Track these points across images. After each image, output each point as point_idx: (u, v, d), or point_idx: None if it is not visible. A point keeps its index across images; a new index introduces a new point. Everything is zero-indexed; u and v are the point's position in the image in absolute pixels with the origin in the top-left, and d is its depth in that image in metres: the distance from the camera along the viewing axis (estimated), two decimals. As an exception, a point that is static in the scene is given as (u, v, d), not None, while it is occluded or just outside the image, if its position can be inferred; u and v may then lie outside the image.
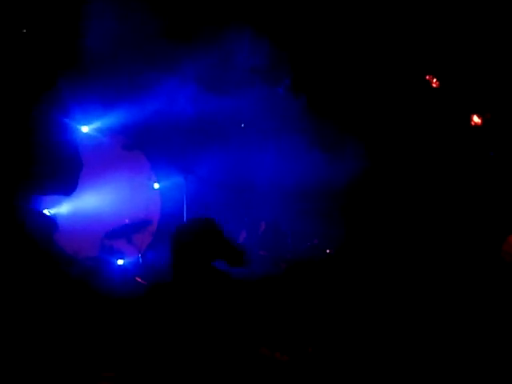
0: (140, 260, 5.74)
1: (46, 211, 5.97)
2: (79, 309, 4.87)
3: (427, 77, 6.38)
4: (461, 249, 5.61)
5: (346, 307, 5.08)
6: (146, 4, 6.06)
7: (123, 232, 5.83)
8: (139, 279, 5.35)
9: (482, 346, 4.04)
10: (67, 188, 6.15)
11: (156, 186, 6.80)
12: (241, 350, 2.66)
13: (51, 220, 5.83)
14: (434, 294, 5.11)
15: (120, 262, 5.68)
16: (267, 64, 6.63)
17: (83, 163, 6.37)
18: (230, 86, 6.65)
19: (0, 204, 5.35)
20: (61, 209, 6.14)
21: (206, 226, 2.75)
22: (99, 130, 6.56)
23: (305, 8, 6.41)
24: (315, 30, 6.50)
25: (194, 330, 2.60)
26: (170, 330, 2.61)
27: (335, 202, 6.38)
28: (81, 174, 6.33)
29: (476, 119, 6.15)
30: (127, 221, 5.85)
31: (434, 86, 6.37)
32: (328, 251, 6.27)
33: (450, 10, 6.08)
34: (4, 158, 5.47)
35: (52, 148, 5.90)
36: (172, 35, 6.29)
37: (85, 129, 6.47)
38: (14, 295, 4.66)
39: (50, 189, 5.87)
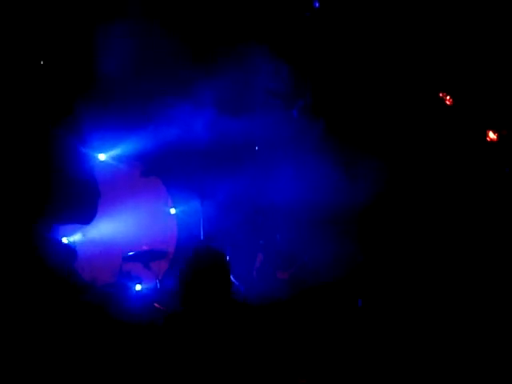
0: (158, 285, 5.75)
1: (64, 239, 6.04)
2: (98, 336, 4.88)
3: (441, 94, 6.37)
4: (473, 261, 5.55)
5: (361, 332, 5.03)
6: (163, 28, 6.17)
7: (141, 258, 5.86)
8: (157, 305, 5.36)
9: (482, 346, 3.99)
10: (85, 217, 6.22)
11: (173, 211, 6.84)
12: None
13: (71, 248, 5.89)
14: (450, 308, 5.05)
15: (138, 287, 5.70)
16: (282, 86, 6.68)
17: (100, 191, 6.44)
18: (245, 109, 6.70)
19: (19, 233, 5.42)
20: (79, 236, 6.20)
21: (216, 262, 2.73)
22: (116, 158, 6.65)
23: (319, 30, 6.49)
24: (329, 53, 6.56)
25: (209, 361, 2.59)
26: (186, 358, 2.60)
27: (352, 224, 6.34)
28: (99, 201, 6.39)
29: (492, 135, 6.10)
30: (145, 247, 5.88)
31: (448, 103, 6.35)
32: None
33: (464, 26, 6.09)
34: (22, 187, 5.56)
35: (69, 176, 5.98)
36: (188, 59, 6.39)
37: (102, 156, 6.56)
38: (34, 324, 4.70)
39: (68, 218, 5.94)
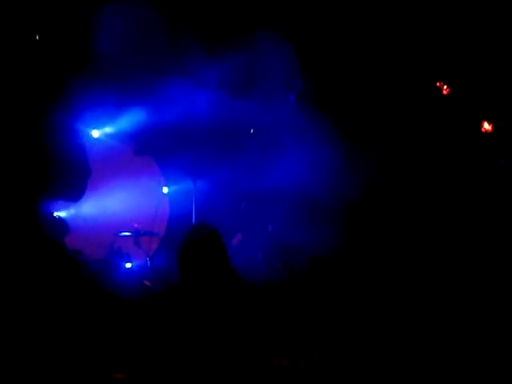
0: (148, 263, 5.76)
1: (56, 214, 6.02)
2: (88, 310, 4.89)
3: (438, 83, 6.36)
4: (468, 256, 5.58)
5: (350, 311, 5.07)
6: (162, 4, 6.10)
7: (132, 235, 5.86)
8: (147, 282, 5.36)
9: (482, 346, 4.02)
10: (74, 193, 6.20)
11: (165, 190, 6.82)
12: (250, 358, 2.66)
13: (62, 223, 5.88)
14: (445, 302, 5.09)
15: (128, 264, 5.70)
16: (279, 68, 6.64)
17: (91, 169, 6.42)
18: (242, 91, 6.66)
19: (12, 207, 5.40)
20: (71, 212, 6.18)
21: (209, 235, 2.80)
22: (110, 135, 6.61)
23: (321, 17, 6.45)
24: (329, 40, 6.52)
25: (201, 337, 2.61)
26: (178, 334, 2.61)
27: (343, 212, 6.35)
28: (88, 180, 6.37)
29: (486, 126, 6.11)
30: (136, 225, 5.87)
31: (445, 92, 6.35)
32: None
33: (462, 17, 6.08)
34: (14, 163, 5.53)
35: (61, 153, 5.95)
36: (186, 38, 6.33)
37: (95, 133, 6.52)
38: (26, 297, 4.70)
39: (57, 193, 5.92)
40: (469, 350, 4.21)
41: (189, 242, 2.79)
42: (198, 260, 2.74)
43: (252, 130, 6.89)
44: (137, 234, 5.96)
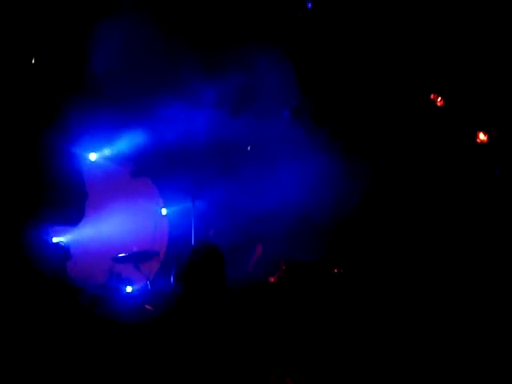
0: (149, 287, 5.73)
1: (56, 240, 6.01)
2: (89, 336, 4.87)
3: (432, 96, 6.39)
4: (467, 265, 5.58)
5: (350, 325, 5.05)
6: (155, 26, 6.13)
7: (131, 259, 5.83)
8: (148, 306, 5.34)
9: (482, 346, 4.00)
10: (72, 218, 6.19)
11: (164, 211, 6.81)
12: (251, 378, 2.66)
13: (64, 249, 5.87)
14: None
15: (129, 289, 5.67)
16: (276, 85, 6.67)
17: (88, 193, 6.41)
18: (238, 109, 6.68)
19: (10, 234, 5.39)
20: (69, 237, 6.16)
21: (212, 255, 2.83)
22: (106, 157, 6.61)
23: (313, 30, 6.48)
24: (322, 53, 6.56)
25: (203, 357, 2.60)
26: (180, 356, 2.61)
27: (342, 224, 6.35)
28: (86, 203, 6.36)
29: (482, 137, 6.13)
30: (135, 248, 5.86)
31: (439, 104, 6.38)
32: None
33: (455, 27, 6.12)
34: (11, 188, 5.52)
35: (57, 177, 5.95)
36: (182, 58, 6.36)
37: (92, 156, 6.53)
38: (26, 325, 4.68)
39: (55, 219, 5.91)
40: (469, 349, 4.19)
41: (192, 260, 2.80)
42: (201, 277, 2.75)
43: (249, 147, 6.91)
44: (137, 256, 5.94)
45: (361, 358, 4.66)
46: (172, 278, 2.86)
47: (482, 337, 4.35)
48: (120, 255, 5.66)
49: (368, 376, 4.43)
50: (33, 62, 5.97)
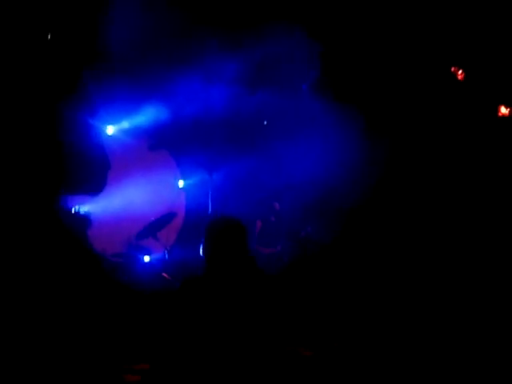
0: (166, 256, 5.79)
1: (77, 209, 6.08)
2: (109, 304, 4.95)
3: (453, 69, 6.29)
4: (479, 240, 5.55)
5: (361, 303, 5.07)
6: (173, 2, 6.09)
7: (149, 229, 5.89)
8: (165, 275, 5.41)
9: (482, 344, 3.98)
10: (95, 188, 6.26)
11: (181, 183, 6.85)
12: (268, 346, 2.69)
13: (85, 218, 5.95)
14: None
15: (147, 258, 5.74)
16: (294, 59, 6.60)
17: (110, 163, 6.46)
18: (257, 83, 6.64)
19: (33, 203, 5.47)
20: (89, 208, 6.24)
21: (234, 226, 2.85)
22: (124, 131, 6.65)
23: (333, 4, 6.39)
24: (341, 26, 6.46)
25: (221, 324, 2.63)
26: (198, 323, 2.64)
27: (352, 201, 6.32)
28: (107, 172, 6.42)
29: (503, 110, 6.03)
30: (153, 218, 5.91)
31: (460, 78, 6.27)
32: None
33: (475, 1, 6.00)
34: (33, 159, 5.59)
35: (79, 148, 6.00)
36: (200, 31, 6.31)
37: (110, 129, 6.56)
38: (48, 291, 4.78)
39: (78, 188, 5.98)
40: (467, 348, 4.17)
41: (214, 232, 2.83)
42: (224, 250, 2.78)
43: (266, 122, 6.88)
44: (155, 225, 5.99)
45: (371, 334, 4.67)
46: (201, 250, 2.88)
47: (481, 336, 4.30)
48: (141, 231, 5.73)
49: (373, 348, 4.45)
50: (49, 37, 5.99)
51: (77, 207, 5.89)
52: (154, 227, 5.92)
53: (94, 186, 6.28)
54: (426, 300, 5.10)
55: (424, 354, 4.20)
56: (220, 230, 2.83)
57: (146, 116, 6.56)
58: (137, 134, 6.70)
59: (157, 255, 5.86)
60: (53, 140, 5.78)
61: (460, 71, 6.25)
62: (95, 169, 6.30)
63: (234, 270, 2.75)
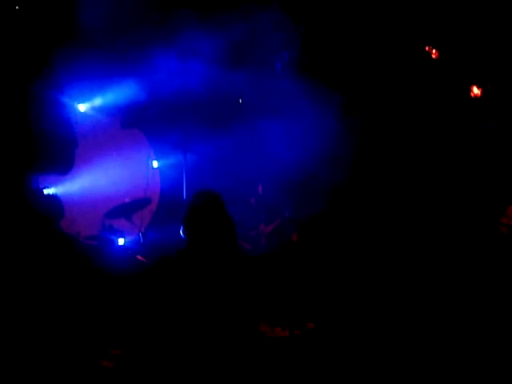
0: (141, 238, 5.75)
1: (47, 190, 5.98)
2: (83, 287, 4.92)
3: (426, 48, 6.30)
4: (459, 222, 5.63)
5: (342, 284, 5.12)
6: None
7: (123, 211, 5.83)
8: (140, 257, 5.38)
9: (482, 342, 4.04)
10: (62, 166, 6.15)
11: (155, 164, 6.78)
12: (242, 325, 2.70)
13: (54, 198, 5.86)
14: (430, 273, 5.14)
15: (121, 240, 5.70)
16: (269, 37, 6.52)
17: (78, 141, 6.35)
18: (231, 61, 6.56)
19: (3, 183, 5.36)
20: (61, 188, 6.14)
21: (214, 200, 2.84)
22: (97, 109, 6.52)
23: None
24: (315, 4, 6.39)
25: (196, 304, 2.63)
26: (174, 303, 2.64)
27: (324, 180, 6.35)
28: (75, 152, 6.32)
29: (476, 90, 6.09)
30: (127, 200, 5.85)
31: (434, 56, 6.29)
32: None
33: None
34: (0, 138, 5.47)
35: (45, 126, 5.88)
36: (173, 8, 6.19)
37: (82, 107, 6.43)
38: (18, 274, 4.71)
39: (45, 167, 5.87)
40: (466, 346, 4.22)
41: (195, 206, 2.82)
42: (206, 223, 2.78)
43: (241, 101, 6.82)
44: (128, 207, 5.93)
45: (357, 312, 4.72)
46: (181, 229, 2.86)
47: (481, 335, 4.35)
48: (111, 211, 5.64)
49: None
50: (16, 8, 5.79)
51: (45, 187, 5.80)
52: (128, 209, 5.86)
53: (61, 165, 6.17)
54: (411, 283, 5.16)
55: (406, 343, 4.26)
56: (201, 203, 2.83)
57: (119, 94, 6.44)
58: (110, 111, 6.58)
59: (131, 237, 5.82)
60: (18, 118, 5.65)
61: (434, 50, 6.26)
62: (62, 147, 6.18)
63: (214, 248, 2.74)
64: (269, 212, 6.50)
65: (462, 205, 5.78)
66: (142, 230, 5.91)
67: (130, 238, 5.81)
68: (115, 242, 5.62)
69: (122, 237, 5.71)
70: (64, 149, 6.21)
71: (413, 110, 6.30)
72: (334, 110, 6.25)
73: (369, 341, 4.27)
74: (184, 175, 6.03)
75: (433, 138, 6.20)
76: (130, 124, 6.82)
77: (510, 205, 4.92)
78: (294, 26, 6.42)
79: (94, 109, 6.50)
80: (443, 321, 4.44)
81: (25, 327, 4.25)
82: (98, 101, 6.49)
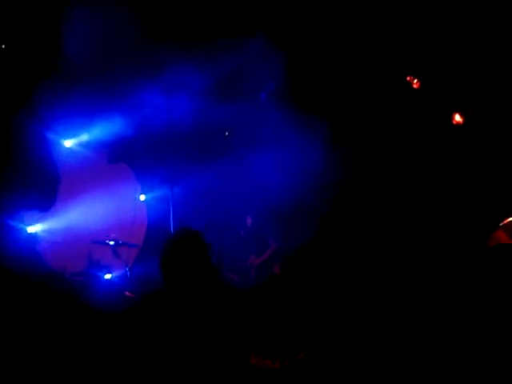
0: (128, 274, 5.69)
1: (30, 228, 5.93)
2: (70, 324, 4.83)
3: (408, 78, 6.43)
4: (446, 246, 5.66)
5: (333, 311, 5.09)
6: (133, 12, 6.01)
7: (110, 246, 5.77)
8: (128, 293, 5.31)
9: (482, 344, 4.03)
10: (44, 202, 6.12)
11: (142, 197, 6.76)
12: (232, 359, 2.66)
13: (34, 236, 5.80)
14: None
15: (108, 276, 5.63)
16: (251, 69, 6.62)
17: (63, 177, 6.34)
18: (216, 93, 6.63)
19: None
20: (46, 225, 6.09)
21: (194, 240, 2.79)
22: (83, 144, 6.52)
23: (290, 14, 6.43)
24: (299, 35, 6.52)
25: (185, 340, 2.60)
26: (162, 340, 2.61)
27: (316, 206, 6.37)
28: (59, 188, 6.29)
29: (457, 118, 6.19)
30: (113, 235, 5.80)
31: (415, 86, 6.41)
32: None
33: (429, 10, 6.14)
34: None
35: (28, 161, 5.86)
36: (157, 42, 6.26)
37: (68, 143, 6.43)
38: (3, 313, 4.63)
39: (26, 203, 5.84)
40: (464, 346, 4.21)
41: (172, 246, 2.77)
42: (182, 263, 2.73)
43: (227, 133, 6.86)
44: (115, 244, 5.87)
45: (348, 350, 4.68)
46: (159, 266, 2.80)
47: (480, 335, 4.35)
48: (99, 243, 5.58)
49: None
50: (2, 46, 5.83)
51: (29, 224, 5.75)
52: (115, 244, 5.79)
53: (43, 201, 6.13)
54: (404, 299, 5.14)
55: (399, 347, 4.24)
56: (175, 244, 2.77)
57: (105, 129, 6.47)
58: (96, 146, 6.58)
59: (118, 273, 5.76)
60: (2, 152, 5.63)
61: (415, 80, 6.38)
62: (44, 182, 6.16)
63: (190, 285, 2.70)
64: (259, 243, 6.48)
65: (448, 229, 5.83)
66: (130, 265, 5.85)
67: (117, 274, 5.74)
68: (102, 278, 5.56)
69: (108, 272, 5.65)
70: (47, 184, 6.19)
71: (397, 137, 6.39)
72: (320, 139, 6.32)
73: (360, 368, 4.23)
74: (171, 208, 6.01)
75: (418, 165, 6.27)
76: (117, 158, 6.83)
77: (494, 230, 4.96)
78: (278, 56, 6.52)
79: (80, 144, 6.51)
80: (443, 341, 4.42)
81: (11, 362, 4.16)
82: (84, 136, 6.51)
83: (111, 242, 5.62)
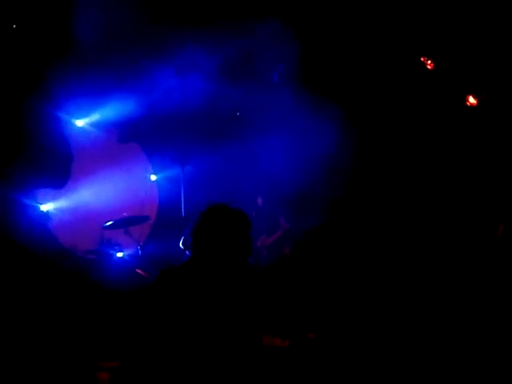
0: (139, 252, 5.73)
1: (43, 206, 5.98)
2: (82, 302, 4.89)
3: (422, 58, 6.35)
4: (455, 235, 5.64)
5: (342, 293, 5.11)
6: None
7: (121, 225, 5.80)
8: (140, 271, 5.35)
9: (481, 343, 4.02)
10: (58, 180, 6.16)
11: (153, 177, 6.78)
12: (243, 337, 2.66)
13: (44, 214, 5.85)
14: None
15: (119, 254, 5.67)
16: (265, 49, 6.56)
17: (75, 156, 6.37)
18: (229, 74, 6.59)
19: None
20: (59, 203, 6.14)
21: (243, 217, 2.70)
22: (94, 124, 6.53)
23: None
24: (310, 17, 6.45)
25: (197, 318, 2.59)
26: (174, 318, 2.60)
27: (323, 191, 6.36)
28: (72, 166, 6.33)
29: (471, 100, 6.12)
30: (125, 214, 5.83)
31: (429, 67, 6.34)
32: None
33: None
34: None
35: (40, 140, 5.89)
36: (170, 23, 6.23)
37: (80, 123, 6.44)
38: (14, 290, 4.69)
39: (40, 182, 5.89)
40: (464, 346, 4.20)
41: (216, 221, 2.65)
42: (231, 236, 2.64)
43: (238, 113, 6.84)
44: (126, 222, 5.90)
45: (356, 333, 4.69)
46: (182, 243, 2.72)
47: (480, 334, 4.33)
48: (109, 223, 5.62)
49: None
50: (14, 26, 5.83)
51: (42, 202, 5.79)
52: (126, 223, 5.82)
53: (57, 179, 6.17)
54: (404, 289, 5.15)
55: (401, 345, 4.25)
56: (225, 220, 2.65)
57: (116, 109, 6.46)
58: (107, 126, 6.59)
59: (130, 251, 5.79)
60: (14, 132, 5.66)
61: (429, 61, 6.31)
62: (57, 161, 6.19)
63: (225, 266, 2.62)
64: (270, 223, 6.48)
65: (460, 218, 5.80)
66: (141, 243, 5.88)
67: (128, 252, 5.78)
68: (114, 256, 5.60)
69: (120, 251, 5.68)
70: (59, 163, 6.22)
71: (410, 120, 6.33)
72: (331, 122, 6.28)
73: (369, 348, 4.25)
74: (182, 188, 6.02)
75: (431, 148, 6.22)
76: (128, 138, 6.84)
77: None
78: (290, 38, 6.46)
79: (91, 124, 6.52)
80: (444, 332, 4.42)
81: (22, 341, 4.22)
82: (95, 116, 6.51)
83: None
